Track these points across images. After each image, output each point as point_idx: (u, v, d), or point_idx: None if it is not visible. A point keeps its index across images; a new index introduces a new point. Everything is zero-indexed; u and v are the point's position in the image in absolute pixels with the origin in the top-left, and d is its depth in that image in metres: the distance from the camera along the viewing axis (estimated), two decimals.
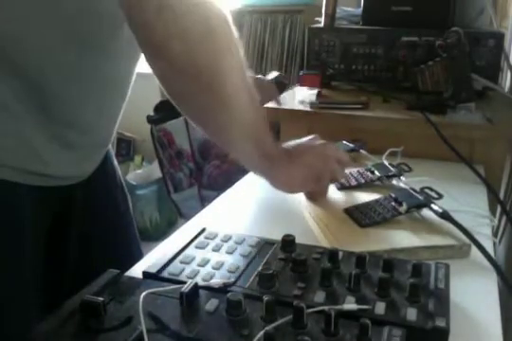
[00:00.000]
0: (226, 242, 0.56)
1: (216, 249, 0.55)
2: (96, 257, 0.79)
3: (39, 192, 0.68)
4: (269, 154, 0.64)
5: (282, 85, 1.16)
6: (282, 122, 1.02)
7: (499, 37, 1.05)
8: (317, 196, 0.73)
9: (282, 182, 0.68)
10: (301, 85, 1.13)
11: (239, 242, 0.56)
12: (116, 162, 0.88)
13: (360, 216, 0.64)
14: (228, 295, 0.43)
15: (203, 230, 0.59)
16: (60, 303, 0.43)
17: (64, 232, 0.77)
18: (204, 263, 0.52)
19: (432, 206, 0.63)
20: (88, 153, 0.75)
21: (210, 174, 1.87)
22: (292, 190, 0.71)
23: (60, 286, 0.75)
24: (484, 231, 0.65)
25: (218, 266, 0.51)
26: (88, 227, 0.79)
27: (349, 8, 1.29)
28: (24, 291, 0.69)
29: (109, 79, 0.70)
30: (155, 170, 2.39)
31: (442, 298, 0.46)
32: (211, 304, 0.44)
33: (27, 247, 0.68)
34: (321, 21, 1.16)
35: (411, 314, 0.44)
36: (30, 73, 0.61)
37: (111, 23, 0.63)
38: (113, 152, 0.87)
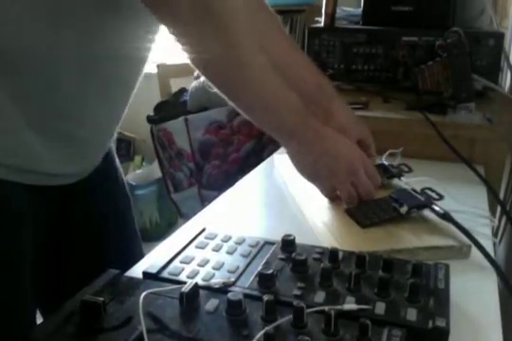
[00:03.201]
0: (226, 242, 0.56)
1: (216, 249, 0.55)
2: (96, 257, 0.79)
3: (37, 192, 0.67)
4: (291, 129, 0.61)
5: None
6: None
7: (499, 37, 1.05)
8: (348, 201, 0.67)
9: (302, 166, 0.65)
10: None
11: (239, 243, 0.56)
12: (118, 161, 0.86)
13: (361, 217, 0.64)
14: (229, 294, 0.43)
15: (203, 230, 0.59)
16: (60, 303, 0.43)
17: (64, 232, 0.77)
18: (204, 263, 0.52)
19: (433, 206, 0.63)
20: (87, 150, 0.73)
21: (210, 174, 1.87)
22: (312, 179, 0.68)
23: (60, 286, 0.75)
24: (484, 231, 0.65)
25: (218, 266, 0.51)
26: (88, 227, 0.79)
27: (349, 8, 1.29)
28: (22, 292, 0.68)
29: (112, 71, 0.67)
30: (155, 170, 2.39)
31: (442, 298, 0.46)
32: (211, 304, 0.44)
33: (25, 248, 0.67)
34: (321, 21, 1.16)
35: (411, 314, 0.44)
36: (28, 68, 0.59)
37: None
38: (115, 152, 0.86)
